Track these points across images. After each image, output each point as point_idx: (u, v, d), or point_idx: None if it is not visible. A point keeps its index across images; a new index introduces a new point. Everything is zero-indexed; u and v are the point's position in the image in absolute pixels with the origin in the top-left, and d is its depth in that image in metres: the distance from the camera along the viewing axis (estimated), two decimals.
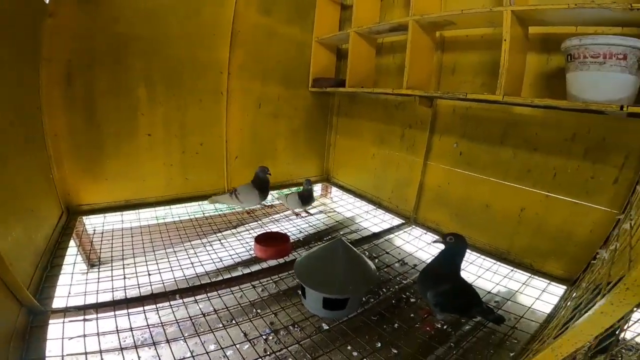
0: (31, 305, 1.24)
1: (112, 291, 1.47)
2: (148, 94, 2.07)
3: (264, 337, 1.35)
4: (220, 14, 2.22)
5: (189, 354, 1.21)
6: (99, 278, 1.56)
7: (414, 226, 2.40)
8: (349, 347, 1.32)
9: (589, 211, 1.60)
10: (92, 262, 1.86)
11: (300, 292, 1.55)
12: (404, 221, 2.46)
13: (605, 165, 1.54)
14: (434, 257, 1.49)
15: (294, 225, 2.43)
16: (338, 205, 2.95)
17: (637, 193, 1.29)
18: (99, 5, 1.81)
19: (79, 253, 1.84)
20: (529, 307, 1.54)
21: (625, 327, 0.66)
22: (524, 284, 1.74)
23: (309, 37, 2.67)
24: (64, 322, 1.25)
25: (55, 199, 1.85)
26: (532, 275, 1.78)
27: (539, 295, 1.61)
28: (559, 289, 1.66)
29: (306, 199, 2.43)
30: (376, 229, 2.40)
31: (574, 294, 1.40)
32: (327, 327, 1.43)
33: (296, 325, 1.42)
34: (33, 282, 1.35)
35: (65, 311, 1.30)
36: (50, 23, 1.69)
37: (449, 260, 1.40)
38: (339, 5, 2.73)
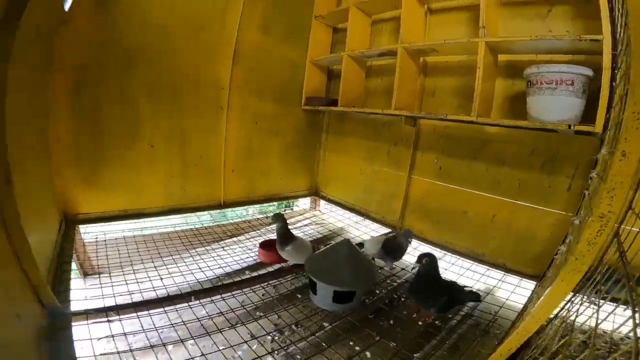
0: (53, 308, 1.26)
1: (130, 294, 1.53)
2: (152, 106, 2.13)
3: (271, 336, 1.44)
4: (224, 31, 2.35)
5: (199, 353, 1.26)
6: (112, 283, 1.59)
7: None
8: (350, 343, 1.44)
9: (548, 215, 1.88)
10: (101, 269, 1.86)
11: (309, 289, 1.67)
12: (390, 230, 2.65)
13: (560, 176, 1.83)
14: (417, 273, 1.58)
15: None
16: (329, 216, 3.12)
17: (586, 197, 1.56)
18: (111, 16, 1.87)
19: (83, 260, 1.84)
20: (506, 300, 1.76)
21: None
22: (500, 280, 1.98)
23: (302, 57, 2.87)
24: (88, 324, 1.30)
25: (55, 207, 1.85)
26: (506, 273, 2.01)
27: (514, 289, 1.85)
28: (530, 284, 1.90)
29: (392, 251, 1.95)
30: (366, 237, 2.58)
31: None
32: (329, 325, 1.54)
33: (299, 325, 1.53)
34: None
35: (87, 313, 1.34)
36: (63, 30, 1.71)
37: (432, 276, 1.55)
38: (331, 29, 2.97)
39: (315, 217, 3.12)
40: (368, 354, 1.38)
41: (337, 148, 3.15)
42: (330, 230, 2.75)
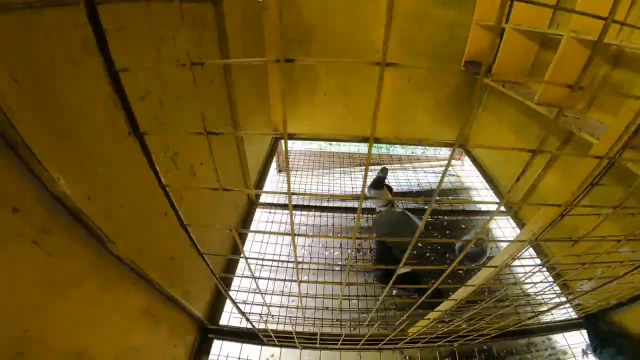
0: (252, 200, 2.61)
1: (285, 197, 2.79)
2: (325, 68, 2.94)
3: (351, 250, 2.37)
4: (375, 3, 2.59)
5: (306, 244, 2.40)
6: (282, 187, 2.93)
7: (509, 218, 2.66)
8: None
9: None
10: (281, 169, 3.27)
11: None
12: (504, 209, 2.72)
13: None
14: None
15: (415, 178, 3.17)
16: (464, 172, 3.34)
17: None
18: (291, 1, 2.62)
19: (280, 162, 3.26)
20: None
21: None
22: None
23: (467, 18, 2.61)
24: (261, 212, 2.62)
25: (271, 129, 3.20)
26: None
27: None
28: None
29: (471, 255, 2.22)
30: (474, 207, 2.81)
31: None
32: None
33: (372, 249, 2.39)
34: (254, 183, 2.73)
35: (264, 205, 2.66)
36: (264, 15, 2.54)
37: None
38: None
39: (451, 168, 3.41)
40: None
41: (494, 110, 3.02)
42: (452, 184, 3.11)
